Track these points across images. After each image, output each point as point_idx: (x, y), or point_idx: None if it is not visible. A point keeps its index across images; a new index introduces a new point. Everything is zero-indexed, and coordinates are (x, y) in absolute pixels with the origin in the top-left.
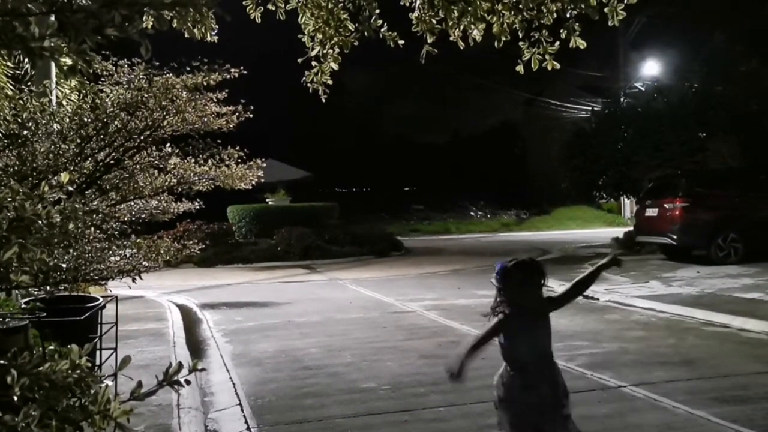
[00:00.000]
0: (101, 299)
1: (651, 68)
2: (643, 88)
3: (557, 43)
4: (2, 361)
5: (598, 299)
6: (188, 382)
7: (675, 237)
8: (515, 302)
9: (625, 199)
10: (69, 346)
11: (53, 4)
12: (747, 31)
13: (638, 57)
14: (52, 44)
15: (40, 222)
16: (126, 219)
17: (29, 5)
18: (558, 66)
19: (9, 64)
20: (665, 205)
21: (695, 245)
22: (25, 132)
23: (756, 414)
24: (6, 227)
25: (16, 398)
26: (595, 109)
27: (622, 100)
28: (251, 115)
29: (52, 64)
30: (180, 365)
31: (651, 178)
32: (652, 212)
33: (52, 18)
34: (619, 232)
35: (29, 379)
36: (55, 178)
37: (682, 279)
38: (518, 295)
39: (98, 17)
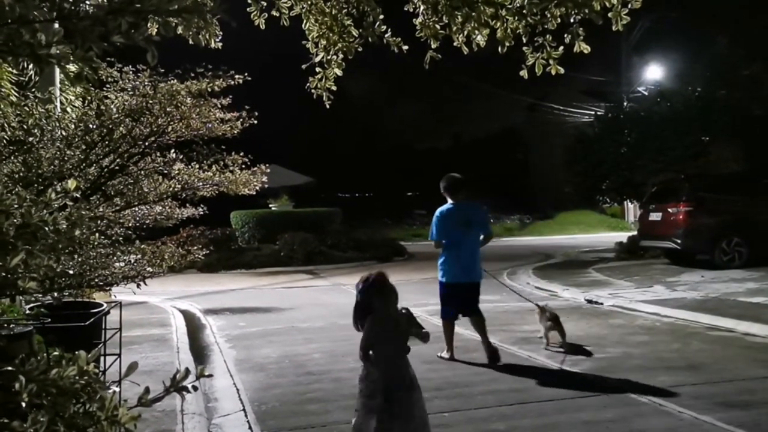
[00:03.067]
0: (105, 305)
1: (653, 72)
2: (645, 93)
3: (561, 47)
4: (9, 368)
5: (602, 304)
6: (195, 388)
7: (679, 241)
8: (372, 308)
9: (629, 204)
10: (76, 353)
11: (60, 11)
12: (749, 35)
13: (641, 61)
14: (59, 51)
15: (46, 228)
16: (130, 225)
17: (36, 12)
18: (562, 71)
19: (13, 70)
20: (669, 210)
21: (699, 249)
22: (30, 138)
23: (762, 418)
24: (13, 234)
25: (24, 404)
26: (598, 113)
27: (625, 104)
28: (255, 122)
29: (57, 70)
30: (187, 371)
31: (654, 182)
32: (655, 217)
33: (58, 25)
34: (622, 236)
35: (37, 385)
36: (61, 184)
37: (687, 283)
38: (378, 303)
39: (105, 24)
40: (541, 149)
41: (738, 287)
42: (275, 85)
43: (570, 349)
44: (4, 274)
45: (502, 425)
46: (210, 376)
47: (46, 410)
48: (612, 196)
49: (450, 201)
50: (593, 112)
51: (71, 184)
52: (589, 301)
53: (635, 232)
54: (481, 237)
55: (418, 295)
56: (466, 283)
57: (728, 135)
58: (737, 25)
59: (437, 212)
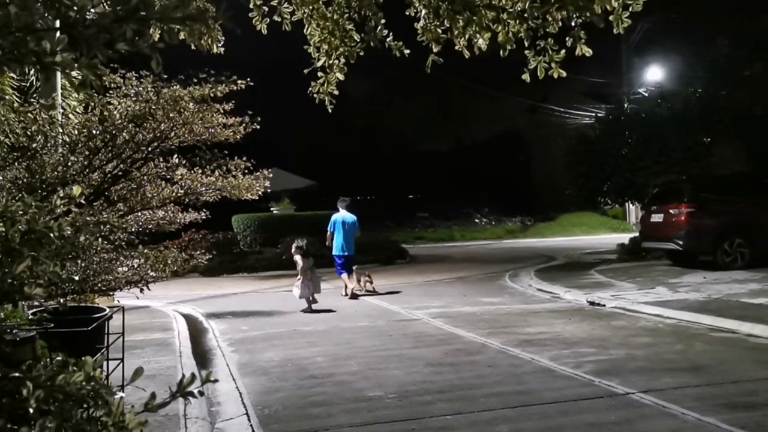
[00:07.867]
0: (108, 310)
1: (654, 74)
2: (646, 94)
3: (563, 51)
4: (16, 374)
5: (604, 305)
6: (201, 393)
7: (681, 242)
8: (302, 253)
9: (630, 205)
10: (83, 358)
11: (65, 19)
12: (750, 35)
13: (641, 63)
14: (64, 59)
15: (51, 235)
16: (133, 230)
17: (41, 21)
18: (564, 74)
19: (14, 75)
20: (671, 211)
21: (701, 250)
22: (33, 145)
23: (766, 420)
24: (18, 240)
25: (31, 410)
26: (599, 115)
27: (625, 106)
28: (257, 126)
29: (59, 76)
30: (193, 376)
31: (656, 183)
32: (657, 218)
33: (63, 33)
34: (624, 238)
35: (44, 391)
36: (65, 190)
37: (689, 285)
38: (303, 252)
39: (109, 32)
40: (543, 151)
41: (740, 288)
42: (278, 88)
43: (375, 293)
44: (10, 280)
45: (505, 428)
46: (216, 381)
47: (53, 416)
48: (613, 198)
49: (341, 210)
50: (594, 114)
51: (76, 190)
52: (592, 303)
53: (637, 234)
54: (356, 234)
55: (421, 297)
56: (345, 254)
57: (730, 136)
58: (738, 25)
59: (333, 216)
